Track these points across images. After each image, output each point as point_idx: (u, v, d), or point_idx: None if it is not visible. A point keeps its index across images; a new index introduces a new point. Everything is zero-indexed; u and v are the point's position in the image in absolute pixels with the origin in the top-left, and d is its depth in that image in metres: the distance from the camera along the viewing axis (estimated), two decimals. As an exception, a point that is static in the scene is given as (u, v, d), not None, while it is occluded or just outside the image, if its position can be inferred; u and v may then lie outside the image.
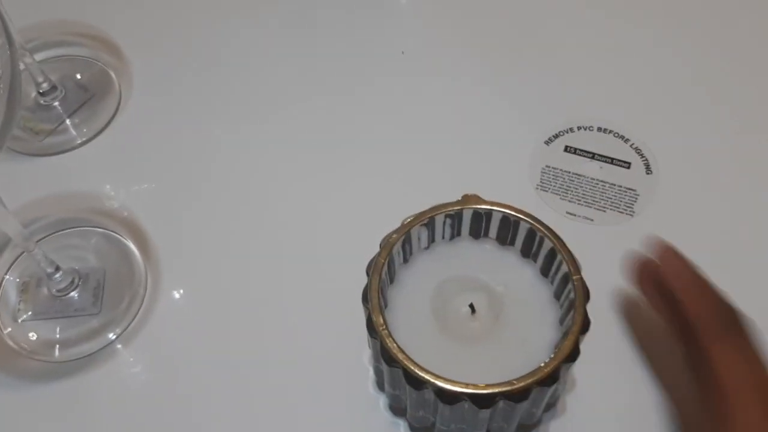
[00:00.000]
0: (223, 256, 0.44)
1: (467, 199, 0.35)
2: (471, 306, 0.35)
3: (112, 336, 0.41)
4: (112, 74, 0.51)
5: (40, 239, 0.44)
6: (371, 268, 0.34)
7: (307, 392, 0.39)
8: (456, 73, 0.51)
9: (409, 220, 0.35)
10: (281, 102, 0.50)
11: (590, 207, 0.45)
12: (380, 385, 0.38)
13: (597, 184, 0.46)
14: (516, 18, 0.54)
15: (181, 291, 0.43)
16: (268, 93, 0.51)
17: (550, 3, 0.55)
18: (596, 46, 0.52)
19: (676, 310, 0.34)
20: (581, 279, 0.33)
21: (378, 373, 0.38)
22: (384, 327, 0.32)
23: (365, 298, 0.33)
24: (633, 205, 0.45)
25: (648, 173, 0.46)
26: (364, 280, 0.33)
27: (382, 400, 0.39)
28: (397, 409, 0.38)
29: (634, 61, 0.52)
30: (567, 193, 0.45)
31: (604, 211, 0.45)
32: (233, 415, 0.39)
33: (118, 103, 0.50)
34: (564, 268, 0.33)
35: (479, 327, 0.35)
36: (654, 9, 0.54)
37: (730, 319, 0.33)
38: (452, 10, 0.54)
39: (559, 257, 0.34)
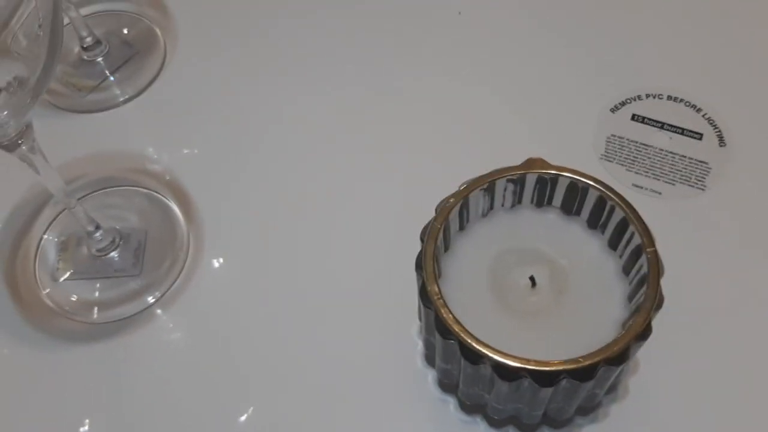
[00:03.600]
0: (268, 222, 0.43)
1: (531, 162, 0.33)
2: (531, 278, 0.33)
3: (151, 299, 0.40)
4: (158, 31, 0.50)
5: (81, 197, 0.43)
6: (426, 234, 0.32)
7: (351, 366, 0.38)
8: (521, 36, 0.49)
9: (468, 183, 0.33)
10: (334, 62, 0.48)
11: (658, 179, 0.42)
12: (430, 360, 0.37)
13: (666, 155, 0.43)
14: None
15: (224, 256, 0.42)
16: (320, 54, 0.49)
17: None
18: (668, 10, 0.49)
19: None
20: (656, 251, 0.31)
21: (429, 346, 0.36)
22: (439, 296, 0.30)
23: (419, 265, 0.31)
24: (704, 178, 0.42)
25: (721, 145, 0.43)
26: (416, 248, 0.31)
27: (431, 375, 0.37)
28: (447, 385, 0.36)
29: (708, 26, 0.49)
30: (633, 164, 0.43)
31: (674, 184, 0.42)
32: (271, 385, 0.38)
33: (163, 61, 0.49)
34: (636, 239, 0.31)
35: (540, 301, 0.33)
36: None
37: None
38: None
39: (631, 228, 0.32)
